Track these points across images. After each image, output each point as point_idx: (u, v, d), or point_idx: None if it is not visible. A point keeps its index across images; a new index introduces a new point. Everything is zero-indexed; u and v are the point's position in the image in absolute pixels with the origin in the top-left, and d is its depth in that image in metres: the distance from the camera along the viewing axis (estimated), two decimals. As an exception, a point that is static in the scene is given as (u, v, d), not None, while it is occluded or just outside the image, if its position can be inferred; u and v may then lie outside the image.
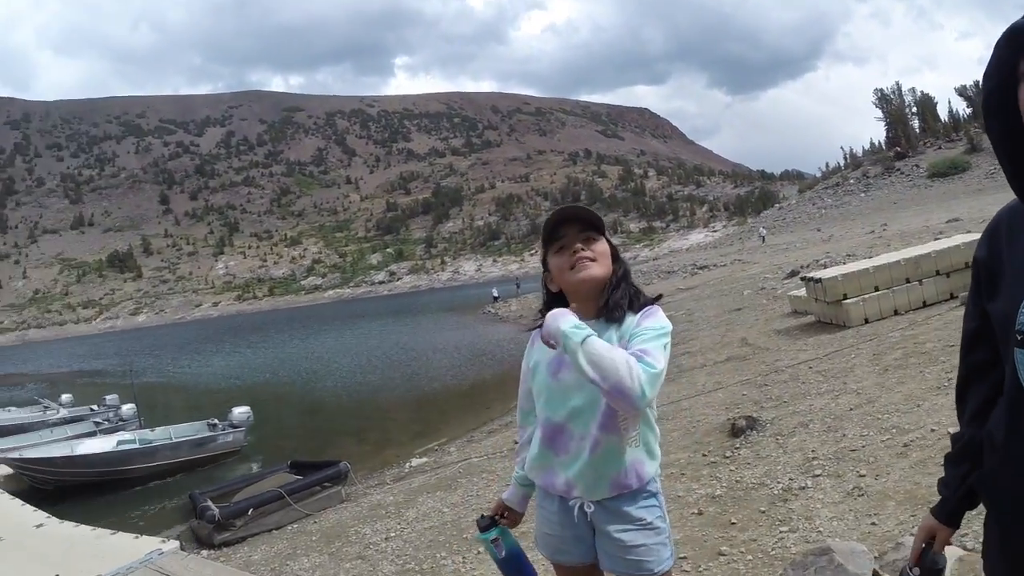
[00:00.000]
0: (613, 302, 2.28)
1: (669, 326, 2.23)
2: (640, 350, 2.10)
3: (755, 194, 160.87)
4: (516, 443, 2.77)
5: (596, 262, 2.29)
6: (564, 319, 2.20)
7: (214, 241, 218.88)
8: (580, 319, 2.24)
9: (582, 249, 2.29)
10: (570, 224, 2.35)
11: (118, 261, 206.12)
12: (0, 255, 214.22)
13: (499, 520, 2.66)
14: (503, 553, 2.62)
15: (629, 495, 2.27)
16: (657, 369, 2.07)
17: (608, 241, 2.36)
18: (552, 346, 2.22)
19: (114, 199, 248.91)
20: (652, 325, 2.20)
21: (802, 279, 15.10)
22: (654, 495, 2.32)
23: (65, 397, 23.73)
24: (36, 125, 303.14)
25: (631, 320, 2.25)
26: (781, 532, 4.63)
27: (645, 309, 2.27)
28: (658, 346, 2.12)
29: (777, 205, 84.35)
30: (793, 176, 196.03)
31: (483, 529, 2.64)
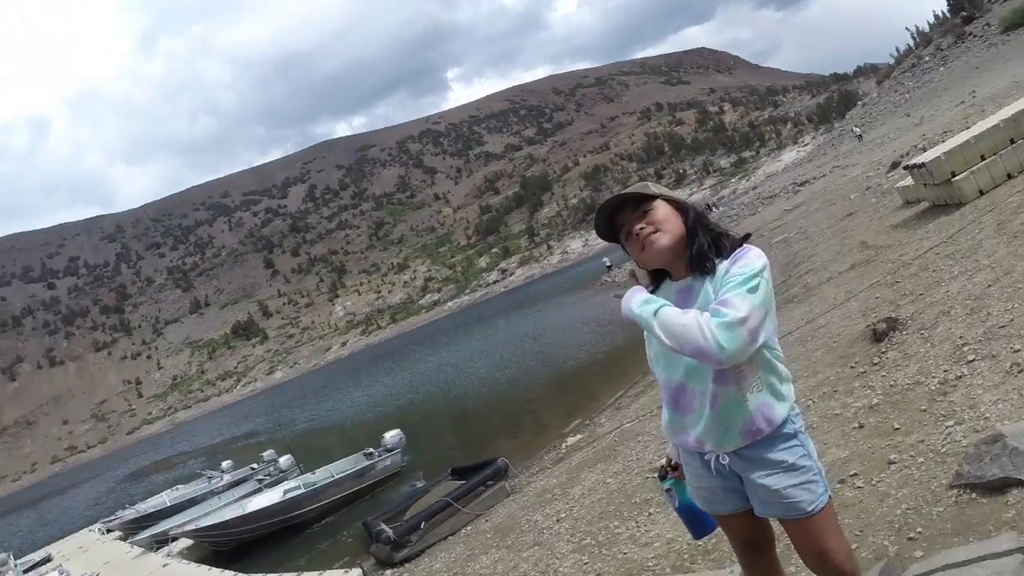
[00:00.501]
0: (696, 255, 2.27)
1: (758, 265, 2.17)
2: (719, 302, 2.11)
3: (834, 98, 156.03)
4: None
5: (660, 231, 2.27)
6: (634, 299, 2.27)
7: (326, 288, 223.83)
8: (675, 281, 2.33)
9: (641, 228, 2.28)
10: (620, 211, 2.35)
11: (242, 330, 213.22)
12: (132, 355, 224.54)
13: (669, 472, 2.70)
14: (676, 504, 2.72)
15: (764, 441, 2.26)
16: (730, 317, 2.05)
17: (668, 199, 2.33)
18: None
19: (222, 277, 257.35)
20: (739, 271, 2.16)
21: (905, 168, 14.53)
22: (792, 436, 2.28)
23: (225, 464, 24.73)
24: (131, 232, 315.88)
25: (722, 267, 2.23)
26: (947, 427, 4.46)
27: (735, 253, 2.23)
28: (740, 292, 2.10)
29: (860, 103, 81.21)
30: (867, 70, 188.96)
31: (661, 478, 2.75)
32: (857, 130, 46.12)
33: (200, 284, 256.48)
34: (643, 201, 2.30)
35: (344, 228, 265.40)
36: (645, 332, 2.39)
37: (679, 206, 2.33)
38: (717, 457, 2.34)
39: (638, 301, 2.25)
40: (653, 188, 2.34)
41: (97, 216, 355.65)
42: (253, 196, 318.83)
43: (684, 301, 2.28)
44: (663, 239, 2.27)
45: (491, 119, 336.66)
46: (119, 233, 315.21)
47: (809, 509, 2.25)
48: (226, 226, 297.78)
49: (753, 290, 2.12)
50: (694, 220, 2.31)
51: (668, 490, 2.72)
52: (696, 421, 2.32)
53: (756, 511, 2.38)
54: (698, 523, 2.71)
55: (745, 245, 2.27)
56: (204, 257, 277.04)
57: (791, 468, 2.25)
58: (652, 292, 2.43)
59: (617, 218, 2.35)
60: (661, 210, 2.29)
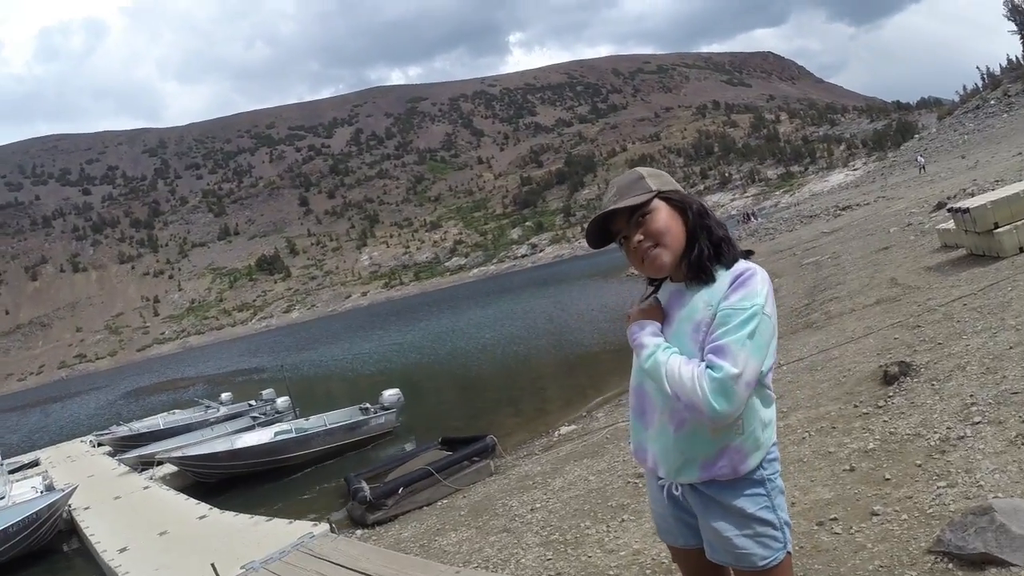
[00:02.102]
0: (695, 263, 2.08)
1: (761, 297, 1.98)
2: (713, 349, 1.94)
3: (892, 127, 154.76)
4: None
5: (660, 247, 2.09)
6: (644, 333, 2.13)
7: (356, 235, 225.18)
8: (672, 282, 2.18)
9: (642, 239, 2.10)
10: (616, 219, 2.15)
11: (266, 264, 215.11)
12: (155, 272, 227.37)
13: None
14: None
15: (726, 483, 2.07)
16: (724, 373, 1.89)
17: (665, 197, 2.11)
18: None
19: (255, 207, 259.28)
20: (740, 303, 1.98)
21: (949, 210, 14.18)
22: (759, 483, 2.08)
23: (224, 396, 24.87)
24: (172, 149, 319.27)
25: (722, 280, 2.04)
26: (939, 488, 4.31)
27: (741, 274, 2.03)
28: (738, 339, 1.93)
29: (917, 136, 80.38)
30: (930, 104, 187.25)
31: None
32: (921, 159, 45.53)
33: (233, 212, 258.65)
34: (637, 207, 2.09)
35: (384, 177, 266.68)
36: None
37: (678, 204, 2.12)
38: (671, 486, 2.18)
39: (648, 336, 2.10)
40: (649, 180, 2.13)
41: (142, 128, 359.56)
42: (299, 131, 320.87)
43: (674, 305, 2.14)
44: (664, 257, 2.09)
45: (546, 90, 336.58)
46: (161, 149, 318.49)
47: (760, 564, 2.06)
48: (267, 157, 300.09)
49: (752, 335, 1.94)
50: (695, 220, 2.11)
51: None
52: (655, 439, 2.16)
53: (707, 554, 2.18)
54: None
55: (748, 264, 2.07)
56: (241, 185, 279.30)
57: (748, 518, 2.05)
58: (651, 294, 2.31)
59: (613, 222, 2.15)
60: (660, 216, 2.08)
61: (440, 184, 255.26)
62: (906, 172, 47.58)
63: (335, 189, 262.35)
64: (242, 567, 7.39)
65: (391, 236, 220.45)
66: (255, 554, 7.73)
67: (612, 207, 2.11)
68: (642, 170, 2.17)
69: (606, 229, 2.18)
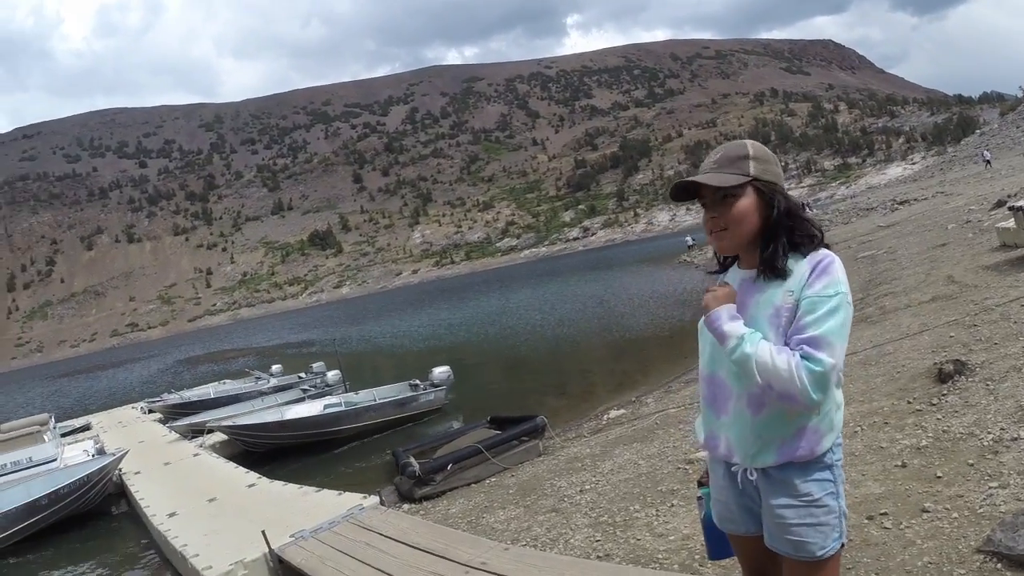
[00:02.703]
0: (768, 259, 2.13)
1: (844, 287, 2.05)
2: (808, 340, 1.99)
3: (953, 121, 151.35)
4: None
5: (727, 231, 2.15)
6: (725, 320, 2.13)
7: (409, 213, 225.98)
8: (742, 269, 2.24)
9: (714, 218, 2.16)
10: (701, 183, 2.17)
11: (319, 239, 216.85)
12: (208, 244, 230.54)
13: (704, 480, 2.61)
14: (703, 515, 2.59)
15: (798, 466, 2.12)
16: (824, 367, 1.95)
17: (757, 186, 2.14)
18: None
19: (309, 183, 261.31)
20: (824, 292, 2.03)
21: (1010, 209, 13.96)
22: (828, 468, 2.14)
23: (275, 367, 25.21)
24: (228, 124, 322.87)
25: (801, 267, 2.10)
26: (990, 488, 4.32)
27: (820, 261, 2.09)
28: (832, 329, 1.99)
29: (978, 131, 78.49)
30: (993, 99, 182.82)
31: (699, 484, 2.63)
32: (988, 154, 44.50)
33: (287, 187, 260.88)
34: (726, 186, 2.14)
35: (438, 156, 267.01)
36: (702, 328, 2.30)
37: (768, 196, 2.15)
38: (745, 471, 2.22)
39: (729, 322, 2.12)
40: (752, 163, 2.15)
41: (198, 104, 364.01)
42: (354, 109, 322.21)
43: (744, 293, 2.19)
44: (728, 242, 2.18)
45: (603, 73, 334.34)
46: (217, 123, 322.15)
47: (819, 554, 2.11)
48: (322, 134, 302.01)
49: (844, 324, 2.02)
50: (777, 219, 2.14)
51: (699, 498, 2.60)
52: (731, 425, 2.20)
53: (766, 541, 2.23)
54: (719, 542, 2.55)
55: (826, 251, 2.13)
56: (295, 161, 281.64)
57: (815, 504, 2.11)
58: (718, 272, 2.38)
59: (701, 185, 2.17)
60: (742, 205, 2.12)
61: (494, 165, 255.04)
62: (966, 168, 46.60)
63: (389, 167, 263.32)
64: (292, 535, 7.56)
65: (443, 215, 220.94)
66: (305, 523, 7.90)
67: (699, 180, 2.15)
68: (751, 148, 2.19)
69: (693, 187, 2.20)
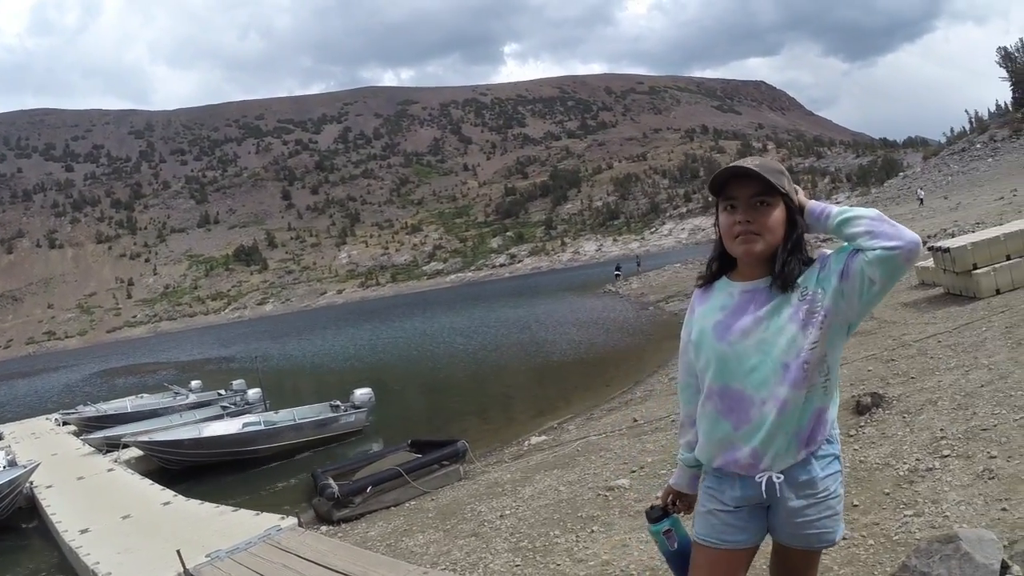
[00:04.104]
0: (785, 274, 2.18)
1: None
2: (866, 236, 2.06)
3: (878, 163, 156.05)
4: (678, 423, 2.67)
5: (761, 236, 2.17)
6: (831, 206, 2.23)
7: (336, 232, 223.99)
8: (745, 282, 2.27)
9: (748, 223, 2.18)
10: (743, 184, 2.20)
11: (244, 255, 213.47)
12: (132, 254, 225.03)
13: (670, 509, 2.56)
14: (675, 546, 2.52)
15: (813, 461, 2.20)
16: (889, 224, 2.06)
17: (788, 201, 2.21)
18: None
19: (238, 197, 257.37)
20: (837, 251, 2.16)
21: (929, 249, 14.41)
22: (836, 459, 2.26)
23: (194, 383, 24.68)
24: (159, 133, 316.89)
25: (811, 271, 2.18)
26: (905, 516, 4.42)
27: (822, 255, 2.20)
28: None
29: (901, 174, 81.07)
30: (917, 143, 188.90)
31: (654, 520, 2.55)
32: (922, 193, 46.13)
33: (214, 200, 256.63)
34: (768, 191, 2.18)
35: (369, 177, 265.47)
36: (695, 333, 2.36)
37: (792, 216, 2.22)
38: (770, 477, 2.20)
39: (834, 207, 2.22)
40: (787, 182, 2.22)
41: (130, 110, 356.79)
42: (287, 125, 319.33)
43: (747, 303, 2.23)
44: (760, 245, 2.19)
45: (537, 103, 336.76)
46: (148, 131, 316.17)
47: (836, 539, 2.28)
48: (254, 148, 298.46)
49: None
50: (796, 239, 2.21)
51: (667, 531, 2.53)
52: (752, 433, 2.20)
53: (782, 541, 2.32)
54: (685, 571, 2.49)
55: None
56: (225, 174, 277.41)
57: (830, 496, 2.23)
58: (705, 286, 2.42)
59: (735, 185, 2.21)
60: (778, 214, 2.19)
61: (424, 188, 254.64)
62: (901, 206, 48.17)
63: (319, 185, 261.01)
64: (207, 555, 7.36)
65: (371, 236, 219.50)
66: (220, 543, 7.70)
67: (756, 169, 2.17)
68: (784, 169, 2.26)
69: (724, 184, 2.24)
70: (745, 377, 2.19)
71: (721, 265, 2.36)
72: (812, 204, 2.23)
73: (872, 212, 2.07)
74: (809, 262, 2.19)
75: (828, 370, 2.17)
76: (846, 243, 2.12)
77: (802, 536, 2.24)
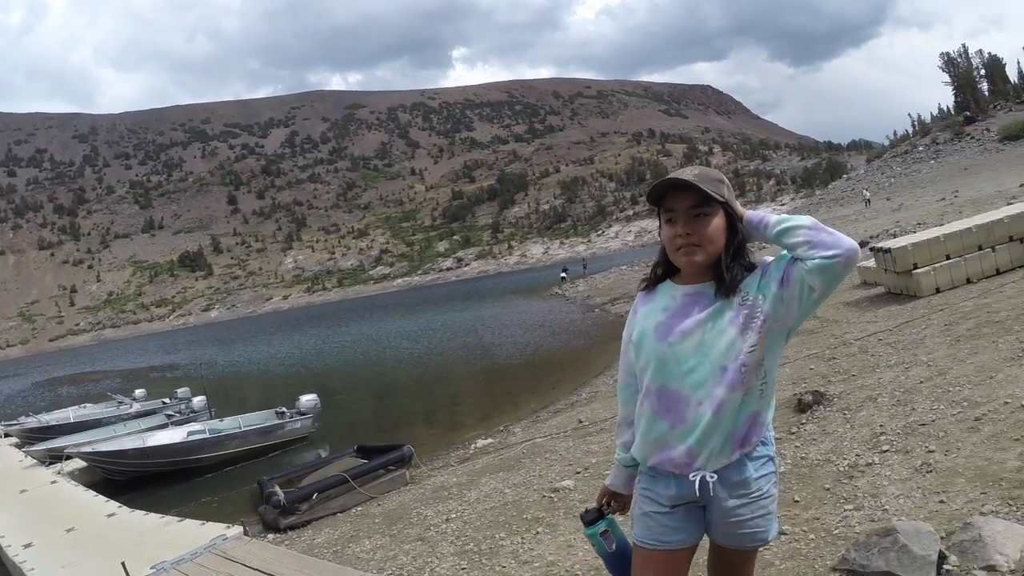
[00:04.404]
0: (728, 280, 2.19)
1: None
2: (805, 245, 2.07)
3: (822, 166, 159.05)
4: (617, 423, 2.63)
5: (701, 247, 2.18)
6: (768, 213, 2.25)
7: (282, 237, 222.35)
8: (688, 285, 2.28)
9: (689, 235, 2.19)
10: (681, 195, 2.20)
11: (189, 261, 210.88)
12: (75, 261, 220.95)
13: (605, 510, 2.54)
14: (613, 547, 2.50)
15: (747, 461, 2.21)
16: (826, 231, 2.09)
17: (727, 208, 2.22)
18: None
19: (183, 202, 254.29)
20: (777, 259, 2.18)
21: (871, 249, 14.71)
22: (771, 460, 2.28)
23: (138, 392, 24.29)
24: (104, 137, 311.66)
25: (752, 277, 2.20)
26: (846, 510, 4.48)
27: (764, 261, 2.21)
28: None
29: (845, 176, 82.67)
30: (861, 146, 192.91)
31: (589, 523, 2.52)
32: (868, 194, 47.07)
33: (159, 205, 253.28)
34: (708, 200, 2.18)
35: (315, 181, 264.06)
36: (636, 334, 2.35)
37: (732, 223, 2.23)
38: (703, 477, 2.20)
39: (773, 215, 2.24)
40: (726, 190, 2.22)
41: (74, 113, 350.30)
42: (234, 129, 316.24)
43: (689, 306, 2.23)
44: (700, 258, 2.20)
45: (485, 107, 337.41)
46: (92, 135, 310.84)
47: (770, 539, 2.31)
48: (199, 153, 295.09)
49: None
50: (738, 245, 2.23)
51: (604, 532, 2.51)
52: (688, 433, 2.19)
53: (717, 540, 2.34)
54: (625, 572, 2.47)
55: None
56: (170, 178, 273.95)
57: (763, 496, 2.23)
58: (648, 288, 2.41)
59: (674, 197, 2.22)
60: (715, 223, 2.19)
61: (371, 192, 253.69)
62: (845, 207, 49.06)
63: (265, 190, 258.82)
64: (152, 567, 7.22)
65: (317, 241, 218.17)
66: (166, 554, 7.56)
67: (693, 181, 2.16)
68: (723, 176, 2.27)
69: (663, 196, 2.25)
70: (683, 378, 2.20)
71: (665, 270, 2.37)
72: (750, 214, 2.24)
73: (809, 221, 2.09)
74: (751, 268, 2.21)
75: (765, 374, 2.19)
76: (785, 252, 2.14)
77: (736, 536, 2.26)
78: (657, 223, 2.35)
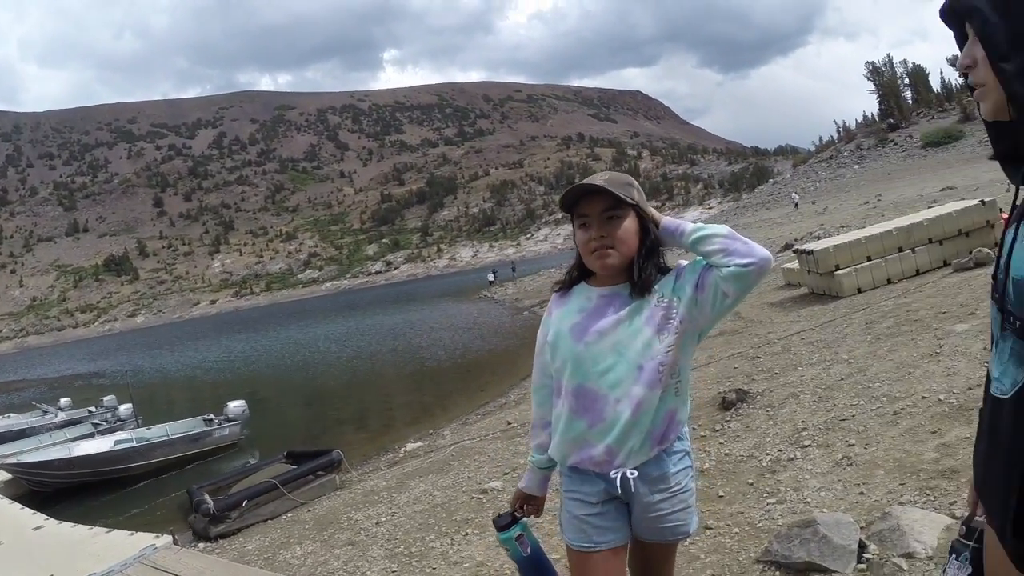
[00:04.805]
0: (642, 280, 2.21)
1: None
2: (719, 252, 2.10)
3: (749, 170, 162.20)
4: (529, 426, 2.65)
5: (615, 249, 2.20)
6: (685, 222, 2.27)
7: (210, 240, 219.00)
8: (603, 287, 2.29)
9: (602, 237, 2.20)
10: (593, 200, 2.22)
11: (114, 265, 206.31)
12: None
13: (518, 514, 2.52)
14: (528, 551, 2.45)
15: (665, 457, 2.22)
16: (741, 241, 2.12)
17: (638, 210, 2.23)
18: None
19: (108, 204, 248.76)
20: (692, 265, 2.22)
21: (795, 251, 15.06)
22: (688, 454, 2.29)
23: (63, 401, 23.77)
24: (27, 136, 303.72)
25: (667, 279, 2.22)
26: (769, 504, 4.56)
27: (679, 265, 2.24)
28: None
29: (771, 180, 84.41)
30: (787, 151, 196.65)
31: (503, 528, 2.47)
32: (796, 197, 48.12)
33: (84, 207, 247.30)
34: (619, 203, 2.20)
35: (243, 184, 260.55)
36: (552, 335, 2.35)
37: (644, 224, 2.25)
38: (624, 474, 2.20)
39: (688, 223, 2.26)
40: (636, 193, 2.24)
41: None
42: (160, 129, 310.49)
43: (604, 307, 2.24)
44: (614, 260, 2.20)
45: (415, 110, 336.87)
46: (15, 134, 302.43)
47: (690, 531, 2.32)
48: (125, 153, 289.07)
49: None
50: (651, 245, 2.24)
51: (519, 537, 2.44)
52: (607, 431, 2.19)
53: (641, 536, 2.32)
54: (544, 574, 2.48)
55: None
56: (95, 180, 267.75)
57: (683, 491, 2.25)
58: (563, 291, 2.41)
59: (587, 203, 2.23)
60: (629, 225, 2.21)
61: (299, 195, 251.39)
62: (772, 211, 49.99)
63: (192, 192, 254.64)
64: (82, 581, 7.07)
65: (245, 244, 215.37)
66: (94, 567, 7.38)
67: (604, 185, 2.18)
68: (632, 180, 2.29)
69: (575, 202, 2.26)
70: (600, 377, 2.21)
71: (580, 273, 2.39)
72: (667, 221, 2.27)
73: (724, 229, 2.13)
74: (666, 270, 2.24)
75: (680, 373, 2.22)
76: (700, 258, 2.19)
77: (658, 530, 2.27)
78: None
